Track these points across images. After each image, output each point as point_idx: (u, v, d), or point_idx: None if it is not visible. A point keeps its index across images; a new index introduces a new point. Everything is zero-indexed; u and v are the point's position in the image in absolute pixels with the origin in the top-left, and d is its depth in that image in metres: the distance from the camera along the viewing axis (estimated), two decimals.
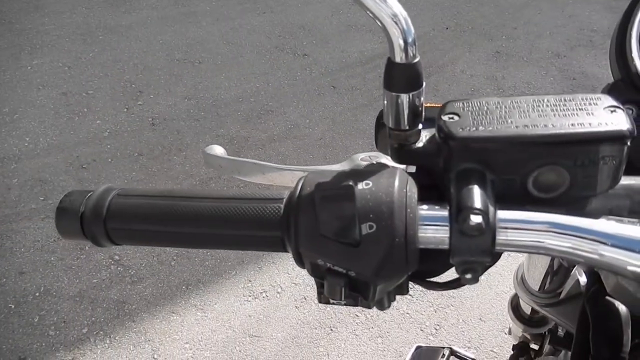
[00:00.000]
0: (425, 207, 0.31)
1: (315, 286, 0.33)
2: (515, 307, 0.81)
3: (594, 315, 0.42)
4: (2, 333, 1.62)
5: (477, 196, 0.29)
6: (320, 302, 0.34)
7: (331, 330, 1.70)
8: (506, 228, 0.29)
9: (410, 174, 0.34)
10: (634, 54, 0.38)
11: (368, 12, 0.30)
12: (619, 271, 0.29)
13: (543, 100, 0.32)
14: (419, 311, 1.75)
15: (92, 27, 3.02)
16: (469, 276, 0.30)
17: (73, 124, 2.40)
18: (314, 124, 2.47)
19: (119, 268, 1.83)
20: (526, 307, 0.79)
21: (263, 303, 1.78)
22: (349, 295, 0.31)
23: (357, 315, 1.74)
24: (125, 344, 1.63)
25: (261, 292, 1.81)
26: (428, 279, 0.36)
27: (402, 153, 0.35)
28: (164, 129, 2.40)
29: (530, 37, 3.21)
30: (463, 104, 0.33)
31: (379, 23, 0.30)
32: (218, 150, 0.51)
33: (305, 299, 1.78)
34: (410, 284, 0.35)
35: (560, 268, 0.62)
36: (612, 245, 0.28)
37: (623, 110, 0.30)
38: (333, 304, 0.34)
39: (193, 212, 0.34)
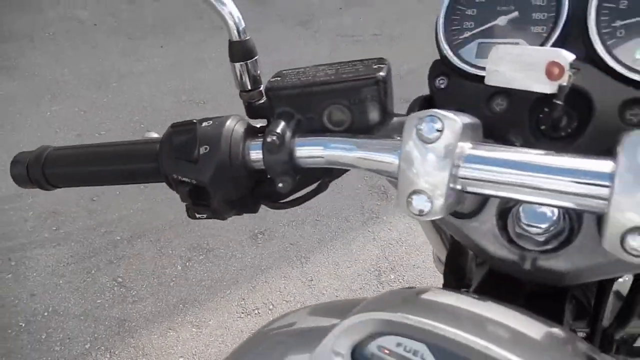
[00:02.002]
0: (254, 139, 0.44)
1: None
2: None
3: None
4: (13, 349, 1.76)
5: (278, 125, 0.42)
6: (190, 217, 0.47)
7: None
8: (302, 146, 0.42)
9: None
10: (440, 38, 0.51)
11: (212, 9, 0.45)
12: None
13: (337, 64, 0.45)
14: None
15: (106, 75, 3.29)
16: (280, 185, 0.43)
17: None
18: None
19: (121, 289, 1.97)
20: None
21: (255, 319, 1.88)
22: (197, 203, 0.44)
23: None
24: (124, 358, 1.74)
25: (254, 309, 1.91)
26: (277, 202, 0.49)
27: (251, 109, 0.48)
28: None
29: None
30: (288, 70, 0.47)
31: (219, 16, 0.45)
32: None
33: None
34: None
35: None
36: (361, 149, 0.40)
37: (386, 66, 0.43)
38: (198, 218, 0.47)
39: (102, 157, 0.48)
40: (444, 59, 0.48)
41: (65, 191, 2.48)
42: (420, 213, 0.35)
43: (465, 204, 0.46)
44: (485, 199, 0.46)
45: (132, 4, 4.30)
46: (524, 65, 0.38)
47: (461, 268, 0.58)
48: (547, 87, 0.37)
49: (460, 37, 0.48)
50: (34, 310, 1.88)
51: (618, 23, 0.41)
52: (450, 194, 0.35)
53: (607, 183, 0.30)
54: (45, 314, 1.87)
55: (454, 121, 0.34)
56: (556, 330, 0.39)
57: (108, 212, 2.31)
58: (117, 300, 1.93)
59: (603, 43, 0.41)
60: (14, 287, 1.96)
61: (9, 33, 3.82)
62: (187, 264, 2.07)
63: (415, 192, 0.35)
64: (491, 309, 0.38)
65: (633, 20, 0.41)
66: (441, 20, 0.49)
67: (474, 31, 0.48)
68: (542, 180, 0.32)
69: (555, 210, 0.40)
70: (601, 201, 0.30)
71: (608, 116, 0.41)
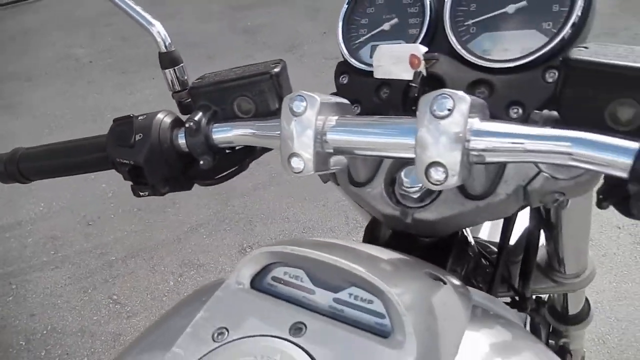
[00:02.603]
0: (181, 128, 0.56)
1: None
2: None
3: None
4: None
5: (196, 115, 0.53)
6: (135, 196, 0.58)
7: None
8: (217, 130, 0.54)
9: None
10: (340, 44, 0.62)
11: (143, 28, 0.57)
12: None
13: (246, 65, 0.57)
14: None
15: (101, 109, 3.44)
16: (202, 163, 0.54)
17: (82, 189, 2.73)
18: None
19: (116, 305, 2.06)
20: None
21: None
22: (138, 182, 0.55)
23: None
24: None
25: None
26: (206, 180, 0.59)
27: (181, 106, 0.60)
28: None
29: None
30: (209, 73, 0.58)
31: (149, 33, 0.57)
32: None
33: None
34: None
35: None
36: (260, 130, 0.51)
37: (281, 64, 0.55)
38: (141, 195, 0.58)
39: (64, 151, 0.60)
40: (345, 61, 0.59)
41: (63, 217, 2.59)
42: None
43: (360, 174, 0.57)
44: (376, 169, 0.56)
45: (126, 41, 4.51)
46: (395, 59, 0.50)
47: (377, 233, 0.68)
48: (409, 75, 0.48)
49: (357, 41, 0.59)
50: (33, 329, 1.97)
51: (470, 22, 0.52)
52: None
53: (412, 136, 0.39)
54: (44, 332, 1.96)
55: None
56: (415, 261, 0.49)
57: (103, 234, 2.42)
58: (112, 316, 2.02)
59: (458, 39, 0.52)
60: (15, 309, 2.06)
61: (8, 74, 4.01)
62: (179, 279, 2.16)
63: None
64: (364, 247, 0.49)
65: (481, 18, 0.52)
66: (339, 31, 0.60)
67: (367, 36, 0.59)
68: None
69: None
70: (411, 149, 0.39)
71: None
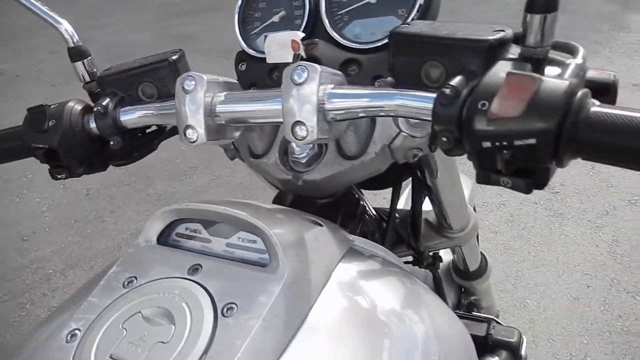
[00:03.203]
0: (92, 113, 0.61)
1: None
2: None
3: None
4: None
5: (104, 100, 0.59)
6: (53, 179, 0.63)
7: None
8: (123, 113, 0.60)
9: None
10: (238, 36, 0.69)
11: (52, 26, 0.62)
12: None
13: (150, 56, 0.63)
14: None
15: None
16: (112, 143, 0.60)
17: (14, 204, 2.65)
18: None
19: None
20: None
21: None
22: (54, 165, 0.60)
23: None
24: None
25: None
26: (120, 160, 0.65)
27: (92, 96, 0.65)
28: (97, 197, 2.67)
29: None
30: (117, 64, 0.64)
31: (57, 30, 0.62)
32: None
33: None
34: None
35: None
36: (162, 110, 0.58)
37: (179, 53, 0.61)
38: (59, 178, 0.63)
39: None
40: (242, 50, 0.66)
41: None
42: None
43: (257, 147, 0.64)
44: (271, 142, 0.64)
45: (54, 54, 4.39)
46: (281, 45, 0.58)
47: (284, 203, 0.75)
48: (290, 58, 0.56)
49: (252, 33, 0.67)
50: None
51: (343, 11, 0.61)
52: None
53: (280, 103, 0.47)
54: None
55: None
56: (300, 213, 0.56)
57: (40, 248, 2.37)
58: None
59: (334, 26, 0.60)
60: None
61: None
62: None
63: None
64: (259, 203, 0.56)
65: (350, 8, 0.61)
66: (236, 24, 0.67)
67: (260, 27, 0.66)
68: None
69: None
70: (280, 113, 0.47)
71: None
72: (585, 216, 2.31)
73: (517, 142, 0.34)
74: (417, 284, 0.55)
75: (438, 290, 0.94)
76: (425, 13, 0.56)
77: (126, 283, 0.47)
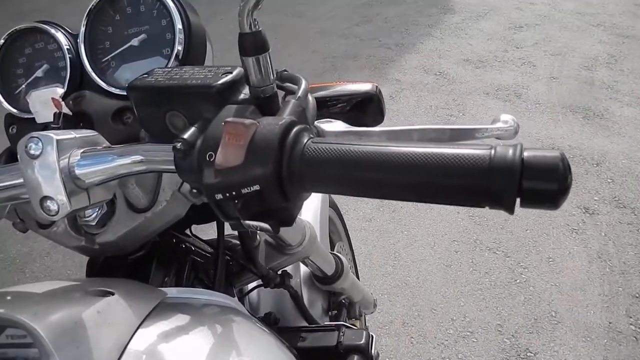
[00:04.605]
0: None
1: None
2: None
3: None
4: None
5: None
6: None
7: None
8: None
9: None
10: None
11: None
12: None
13: None
14: None
15: None
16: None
17: None
18: None
19: None
20: None
21: None
22: None
23: None
24: None
25: None
26: None
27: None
28: None
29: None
30: None
31: None
32: None
33: None
34: None
35: None
36: None
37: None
38: None
39: None
40: (9, 113, 0.59)
41: None
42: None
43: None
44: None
45: None
46: (43, 103, 0.52)
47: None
48: (51, 116, 0.51)
49: (17, 92, 0.60)
50: None
51: (108, 57, 0.57)
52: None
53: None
54: None
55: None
56: (87, 284, 0.52)
57: None
58: None
59: (100, 74, 0.56)
60: None
61: None
62: None
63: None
64: (42, 285, 0.51)
65: (114, 53, 0.57)
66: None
67: (25, 84, 0.60)
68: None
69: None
70: (21, 190, 0.43)
71: (106, 124, 0.56)
72: None
73: (244, 191, 0.34)
74: (238, 316, 0.54)
75: (298, 304, 0.95)
76: (187, 52, 0.55)
77: None
